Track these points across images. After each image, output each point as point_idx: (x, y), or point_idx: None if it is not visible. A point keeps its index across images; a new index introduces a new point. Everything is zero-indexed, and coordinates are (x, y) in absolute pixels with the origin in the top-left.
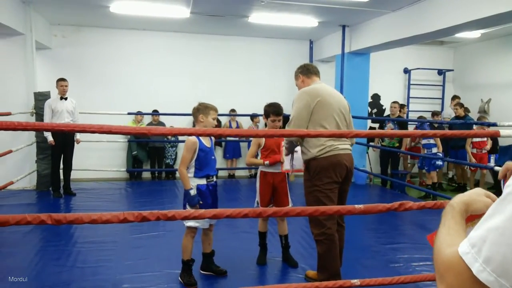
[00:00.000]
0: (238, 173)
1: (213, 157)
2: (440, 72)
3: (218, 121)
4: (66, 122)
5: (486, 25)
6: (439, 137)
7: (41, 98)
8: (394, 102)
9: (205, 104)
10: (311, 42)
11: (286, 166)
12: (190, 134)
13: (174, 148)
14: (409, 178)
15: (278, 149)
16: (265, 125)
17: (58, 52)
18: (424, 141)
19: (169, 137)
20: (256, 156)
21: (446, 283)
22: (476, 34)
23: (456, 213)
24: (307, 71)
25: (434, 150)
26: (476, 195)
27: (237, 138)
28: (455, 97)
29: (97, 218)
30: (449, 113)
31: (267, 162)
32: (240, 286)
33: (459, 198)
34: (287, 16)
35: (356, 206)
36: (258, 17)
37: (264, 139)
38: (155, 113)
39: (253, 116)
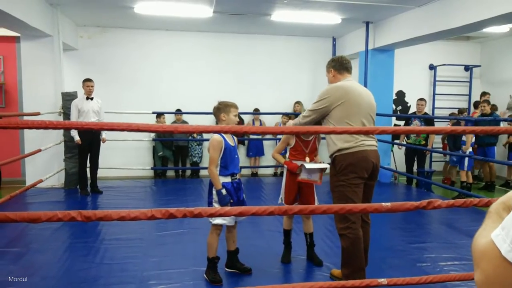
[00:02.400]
0: (261, 171)
1: (236, 156)
2: (467, 68)
3: (241, 119)
4: (92, 121)
5: None
6: (469, 134)
7: (68, 98)
8: (421, 99)
9: (225, 102)
10: (334, 39)
11: (303, 175)
12: (216, 131)
13: (200, 146)
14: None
15: (307, 151)
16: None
17: (84, 53)
18: (464, 138)
19: (195, 135)
20: (285, 154)
21: (480, 269)
22: (504, 28)
23: (492, 214)
24: (340, 66)
25: (463, 148)
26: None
27: (260, 136)
28: (484, 94)
29: (125, 215)
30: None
31: (285, 165)
32: (265, 284)
33: (495, 202)
34: (310, 14)
35: (383, 204)
36: (280, 15)
37: (294, 139)
38: (178, 112)
39: (285, 115)
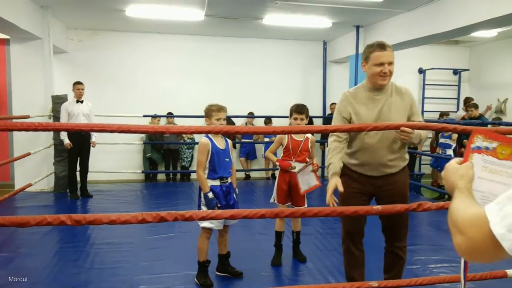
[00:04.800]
0: (253, 174)
1: (227, 159)
2: (456, 72)
3: (232, 123)
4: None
5: (503, 23)
6: (459, 133)
7: (58, 101)
8: None
9: (210, 106)
10: (324, 43)
11: (303, 187)
12: (207, 132)
13: (190, 150)
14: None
15: (299, 152)
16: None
17: (75, 56)
18: (441, 140)
19: (185, 138)
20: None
21: (466, 236)
22: (492, 33)
23: (464, 190)
24: None
25: (449, 151)
26: (468, 169)
27: (251, 140)
28: (468, 99)
29: (116, 219)
30: (461, 114)
31: (277, 163)
32: None
33: (463, 181)
34: (301, 17)
35: (374, 206)
36: (272, 18)
37: (287, 139)
38: (170, 115)
39: (267, 118)
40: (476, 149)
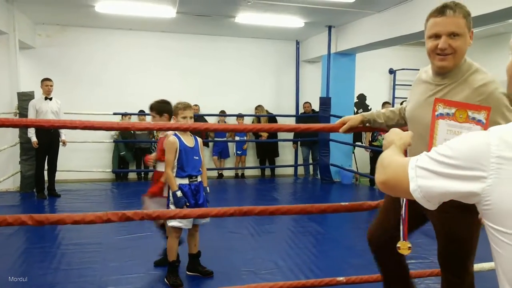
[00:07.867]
0: (226, 173)
1: (196, 157)
2: None
3: (205, 121)
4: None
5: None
6: None
7: (25, 98)
8: (387, 102)
9: (176, 104)
10: (297, 43)
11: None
12: (175, 129)
13: None
14: None
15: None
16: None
17: (43, 52)
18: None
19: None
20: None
21: (386, 172)
22: None
23: (398, 146)
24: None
25: None
26: (408, 136)
27: (224, 138)
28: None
29: (80, 219)
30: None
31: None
32: (226, 286)
33: (400, 141)
34: (273, 17)
35: (342, 203)
36: (244, 17)
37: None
38: (141, 113)
39: (238, 117)
40: (440, 116)
